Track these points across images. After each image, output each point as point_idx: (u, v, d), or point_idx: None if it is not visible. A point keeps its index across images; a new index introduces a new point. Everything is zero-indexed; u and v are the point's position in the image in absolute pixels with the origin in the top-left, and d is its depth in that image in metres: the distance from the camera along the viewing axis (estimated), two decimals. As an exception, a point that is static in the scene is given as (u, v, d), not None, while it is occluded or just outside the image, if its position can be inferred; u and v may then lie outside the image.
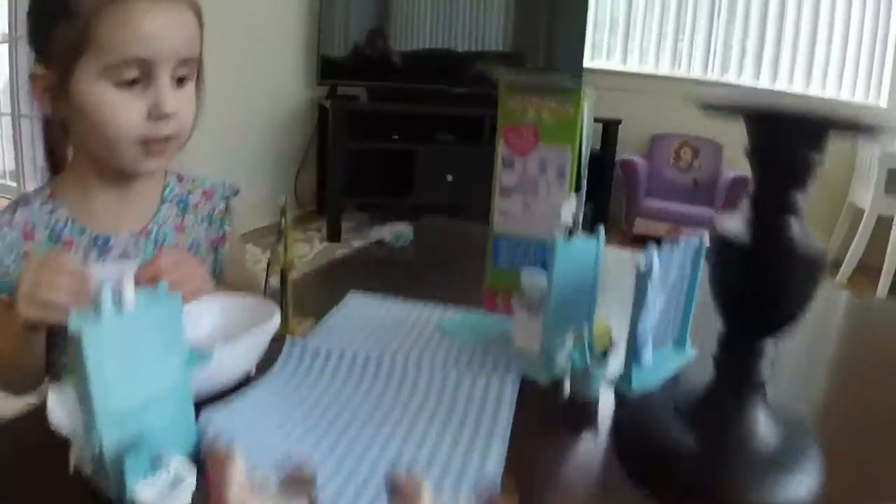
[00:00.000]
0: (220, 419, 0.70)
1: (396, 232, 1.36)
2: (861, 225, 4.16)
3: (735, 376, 0.73)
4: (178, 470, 0.58)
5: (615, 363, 0.88)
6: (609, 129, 4.62)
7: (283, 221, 0.90)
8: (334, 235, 4.07)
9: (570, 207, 0.96)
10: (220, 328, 0.85)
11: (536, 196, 0.97)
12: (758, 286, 0.68)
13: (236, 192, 1.18)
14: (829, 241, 4.64)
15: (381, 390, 0.83)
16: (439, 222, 1.65)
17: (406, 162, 4.16)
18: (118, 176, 1.00)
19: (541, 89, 0.92)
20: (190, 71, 0.97)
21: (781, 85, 4.91)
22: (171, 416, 0.63)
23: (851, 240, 4.25)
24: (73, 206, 1.00)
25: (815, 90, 4.83)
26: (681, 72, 5.13)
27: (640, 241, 4.74)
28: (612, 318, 0.97)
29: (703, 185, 4.91)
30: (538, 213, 0.98)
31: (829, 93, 4.79)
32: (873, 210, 4.07)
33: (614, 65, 5.24)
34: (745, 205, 0.68)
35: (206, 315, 0.86)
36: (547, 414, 0.83)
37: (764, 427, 0.72)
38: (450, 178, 4.20)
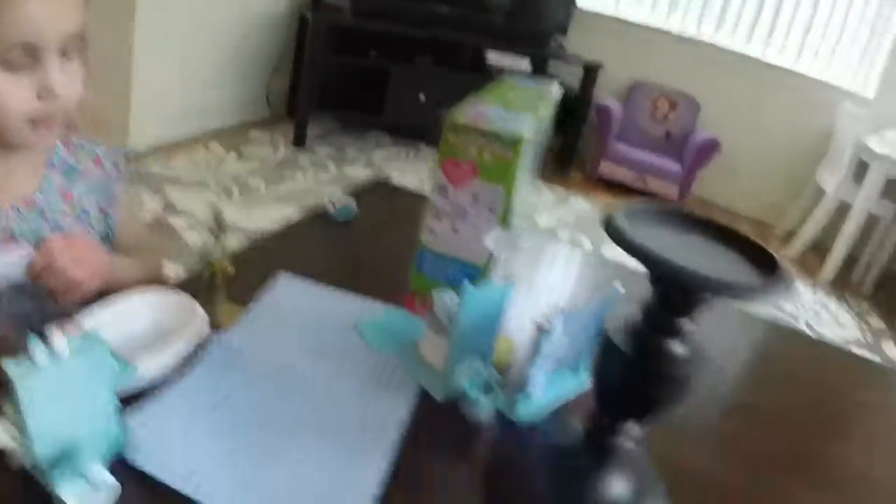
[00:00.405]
0: (140, 423, 0.77)
1: (341, 205, 1.39)
2: (821, 206, 4.25)
3: (598, 449, 0.81)
4: (100, 478, 0.68)
5: (506, 394, 0.95)
6: (590, 71, 4.61)
7: (216, 227, 0.94)
8: (300, 141, 4.07)
9: (496, 238, 1.01)
10: (149, 328, 0.91)
11: (465, 222, 1.01)
12: (632, 391, 0.75)
13: (125, 154, 1.16)
14: (788, 214, 4.75)
15: (288, 399, 0.89)
16: (388, 191, 1.67)
17: (380, 79, 4.13)
18: (1, 146, 0.99)
19: (483, 131, 0.95)
20: (77, 44, 0.95)
21: (772, 55, 4.91)
22: (98, 430, 0.71)
23: (809, 216, 4.35)
24: None
25: (803, 66, 4.84)
26: (673, 25, 5.09)
27: (604, 184, 4.83)
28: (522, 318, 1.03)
29: (675, 139, 4.96)
30: (465, 238, 1.02)
31: (816, 71, 4.80)
32: (836, 195, 4.16)
33: (607, 7, 5.17)
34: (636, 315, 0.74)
35: (135, 314, 0.91)
36: (436, 430, 0.91)
37: (616, 492, 0.81)
38: (422, 98, 4.18)
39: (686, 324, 0.72)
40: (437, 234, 1.04)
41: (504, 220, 1.01)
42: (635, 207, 0.76)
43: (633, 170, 4.80)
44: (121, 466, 0.73)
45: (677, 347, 0.72)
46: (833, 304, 3.81)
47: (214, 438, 0.81)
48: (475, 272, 1.04)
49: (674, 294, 0.70)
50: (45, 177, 1.06)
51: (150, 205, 3.10)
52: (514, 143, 0.95)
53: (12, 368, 0.61)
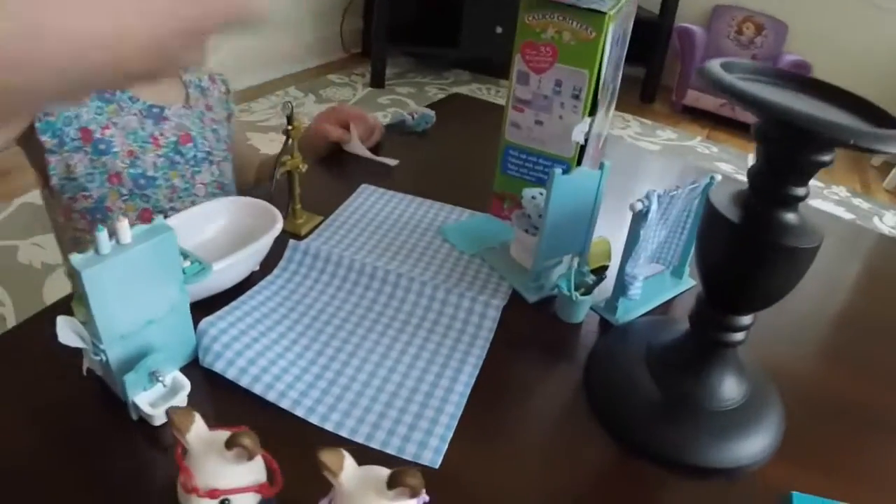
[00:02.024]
0: (215, 329, 0.75)
1: (419, 115, 1.36)
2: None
3: (705, 343, 0.75)
4: (174, 383, 0.68)
5: (602, 292, 0.91)
6: (671, -6, 4.42)
7: (290, 122, 0.91)
8: (378, 81, 4.02)
9: (583, 129, 0.96)
10: (228, 230, 0.89)
11: (550, 114, 0.96)
12: (740, 267, 0.67)
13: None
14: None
15: (372, 300, 0.87)
16: (465, 102, 1.62)
17: (454, 12, 4.03)
18: None
19: (563, 8, 0.89)
20: None
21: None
22: (170, 332, 0.69)
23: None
24: None
25: None
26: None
27: (690, 112, 4.65)
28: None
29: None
30: (550, 129, 0.97)
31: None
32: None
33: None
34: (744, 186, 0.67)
35: (214, 217, 0.90)
36: (529, 332, 0.87)
37: (727, 389, 0.75)
38: (499, 30, 4.07)
39: (796, 191, 0.64)
40: (520, 127, 0.99)
41: (590, 110, 0.95)
42: (731, 61, 0.69)
43: (719, 97, 4.60)
44: (194, 368, 0.72)
45: (787, 215, 0.65)
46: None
47: (292, 340, 0.79)
48: (564, 167, 0.98)
49: (782, 152, 0.63)
50: (186, 89, 1.15)
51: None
52: (597, 22, 0.88)
53: (76, 260, 0.58)
